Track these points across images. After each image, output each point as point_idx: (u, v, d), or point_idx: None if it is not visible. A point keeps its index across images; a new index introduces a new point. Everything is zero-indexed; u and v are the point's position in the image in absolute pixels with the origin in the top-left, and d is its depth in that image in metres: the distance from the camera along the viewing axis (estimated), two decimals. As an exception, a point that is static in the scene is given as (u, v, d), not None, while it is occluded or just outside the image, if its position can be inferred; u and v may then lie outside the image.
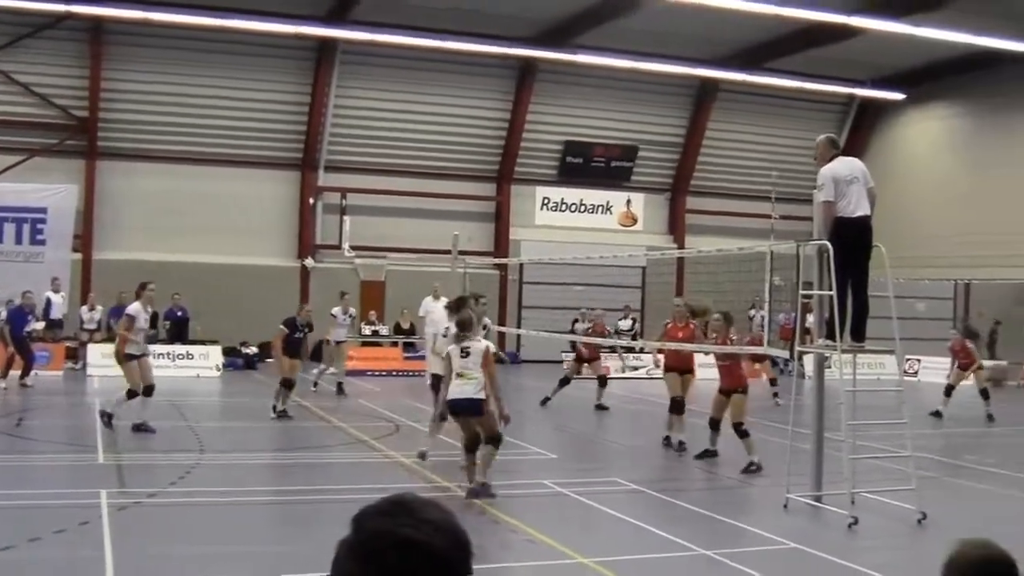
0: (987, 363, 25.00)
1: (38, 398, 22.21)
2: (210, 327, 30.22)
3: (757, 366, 23.03)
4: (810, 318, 15.25)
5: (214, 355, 29.09)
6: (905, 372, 29.22)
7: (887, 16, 28.74)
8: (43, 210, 30.63)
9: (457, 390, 12.61)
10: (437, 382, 16.10)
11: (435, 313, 25.84)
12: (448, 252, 22.96)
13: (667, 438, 17.25)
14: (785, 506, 12.41)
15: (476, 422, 12.67)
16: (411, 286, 30.61)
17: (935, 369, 29.59)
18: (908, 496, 12.04)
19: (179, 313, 29.88)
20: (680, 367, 17.42)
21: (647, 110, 37.81)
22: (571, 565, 9.81)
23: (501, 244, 36.91)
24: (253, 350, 31.51)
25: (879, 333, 13.43)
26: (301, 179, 34.90)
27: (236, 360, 30.48)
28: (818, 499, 12.62)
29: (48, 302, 28.76)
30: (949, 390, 22.98)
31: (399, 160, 35.63)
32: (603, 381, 22.97)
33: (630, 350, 29.20)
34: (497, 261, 33.37)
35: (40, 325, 28.09)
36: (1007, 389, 28.11)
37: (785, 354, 15.32)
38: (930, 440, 18.12)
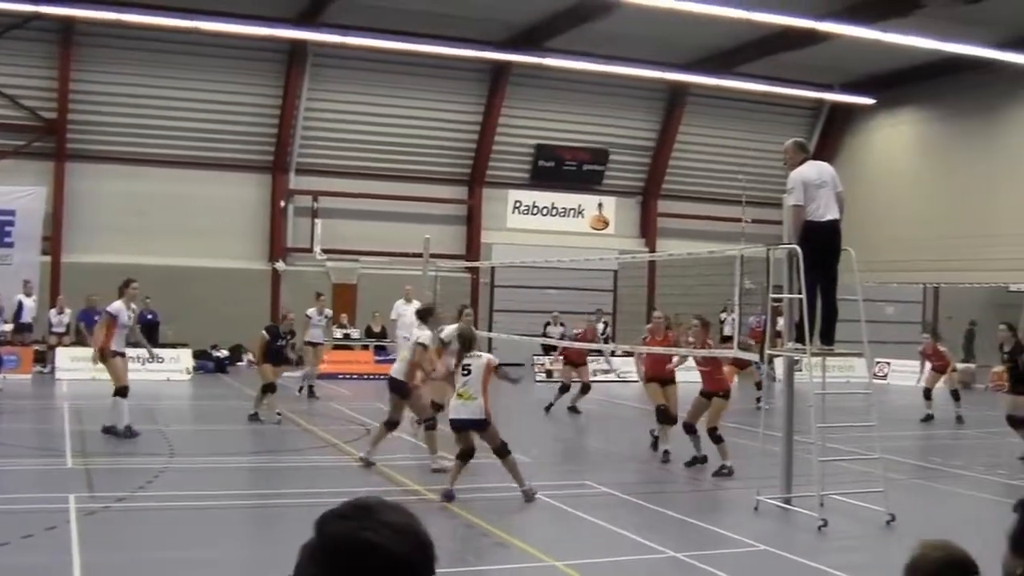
0: (959, 365, 25.18)
1: (6, 402, 22.02)
2: (180, 330, 30.11)
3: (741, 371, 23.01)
4: (780, 321, 15.34)
5: (184, 358, 28.96)
6: (875, 375, 29.57)
7: (856, 22, 28.89)
8: (11, 212, 30.45)
9: (459, 409, 12.87)
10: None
11: (407, 316, 25.99)
12: (419, 255, 22.92)
13: (662, 449, 16.61)
14: (755, 508, 12.48)
15: (483, 438, 12.95)
16: (383, 289, 30.60)
17: (904, 372, 29.80)
18: (877, 498, 12.13)
19: (149, 316, 29.69)
20: (661, 376, 16.93)
21: (618, 114, 37.90)
22: (542, 568, 9.82)
23: (472, 247, 36.90)
24: (224, 353, 31.41)
25: (849, 336, 13.50)
26: (272, 182, 34.77)
27: (207, 363, 30.37)
28: (788, 501, 12.68)
29: (20, 305, 28.59)
30: (927, 393, 23.18)
31: (371, 163, 35.58)
32: (586, 387, 23.01)
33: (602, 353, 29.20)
34: (469, 264, 33.36)
35: (8, 327, 27.91)
36: (975, 392, 28.31)
37: (755, 357, 15.34)
38: (898, 442, 18.22)
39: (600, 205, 39.36)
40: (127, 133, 32.59)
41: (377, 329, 31.71)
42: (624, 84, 36.67)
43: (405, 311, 26.21)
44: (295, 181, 35.08)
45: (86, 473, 13.88)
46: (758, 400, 22.85)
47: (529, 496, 12.81)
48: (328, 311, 25.43)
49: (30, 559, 9.63)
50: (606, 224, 39.41)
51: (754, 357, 15.68)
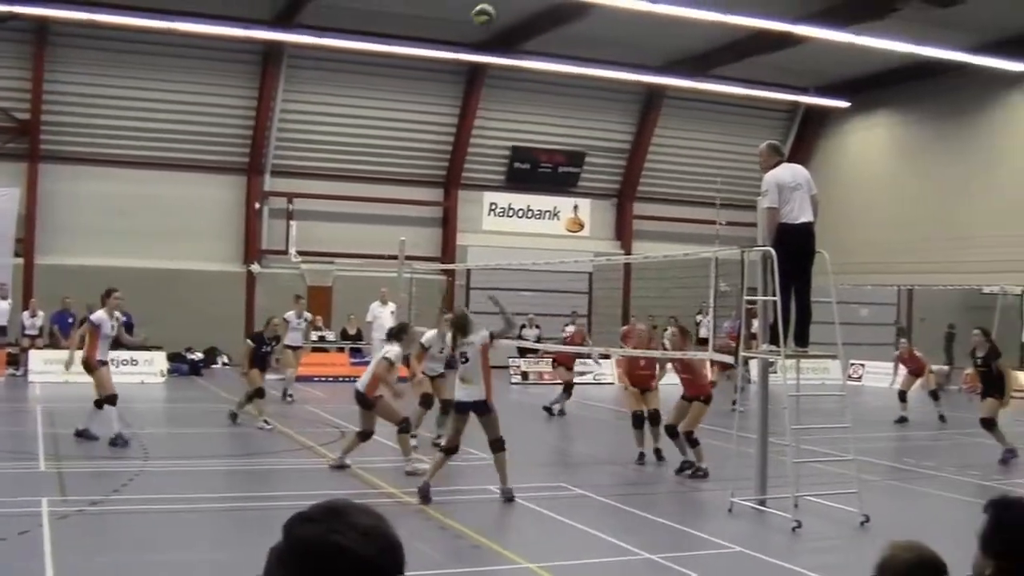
0: (934, 367, 25.31)
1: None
2: (155, 332, 29.91)
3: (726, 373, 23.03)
4: (755, 323, 15.39)
5: (159, 361, 28.83)
6: (849, 377, 29.72)
7: (831, 25, 29.02)
8: (-16, 214, 30.24)
9: (461, 393, 13.17)
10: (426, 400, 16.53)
11: (382, 318, 26.01)
12: (395, 257, 22.90)
13: (653, 448, 16.57)
14: (730, 510, 12.51)
15: (481, 422, 13.11)
16: (358, 291, 30.55)
17: (879, 374, 29.92)
18: (851, 499, 12.18)
19: (124, 319, 29.52)
20: (642, 384, 16.77)
21: (595, 116, 37.95)
22: (517, 570, 9.82)
23: (448, 249, 36.88)
24: (199, 356, 31.28)
25: (823, 338, 13.55)
26: (247, 184, 34.64)
27: (181, 366, 30.24)
28: (762, 503, 12.71)
29: (-7, 308, 28.43)
30: (902, 395, 23.33)
31: (346, 165, 35.51)
32: (568, 389, 23.03)
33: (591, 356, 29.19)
34: (444, 266, 33.33)
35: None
36: (949, 393, 28.46)
37: (730, 359, 15.37)
38: (872, 444, 18.32)
39: (576, 207, 39.40)
40: (101, 134, 32.42)
41: (352, 331, 31.66)
42: (600, 86, 36.72)
43: (381, 313, 26.23)
44: (270, 183, 34.97)
45: (59, 476, 13.80)
46: (733, 403, 22.88)
47: (507, 496, 12.83)
48: (308, 314, 25.35)
49: (2, 564, 9.55)
50: (581, 226, 39.45)
51: (730, 359, 15.72)
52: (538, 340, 30.62)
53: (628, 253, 37.72)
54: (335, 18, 30.83)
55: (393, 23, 31.36)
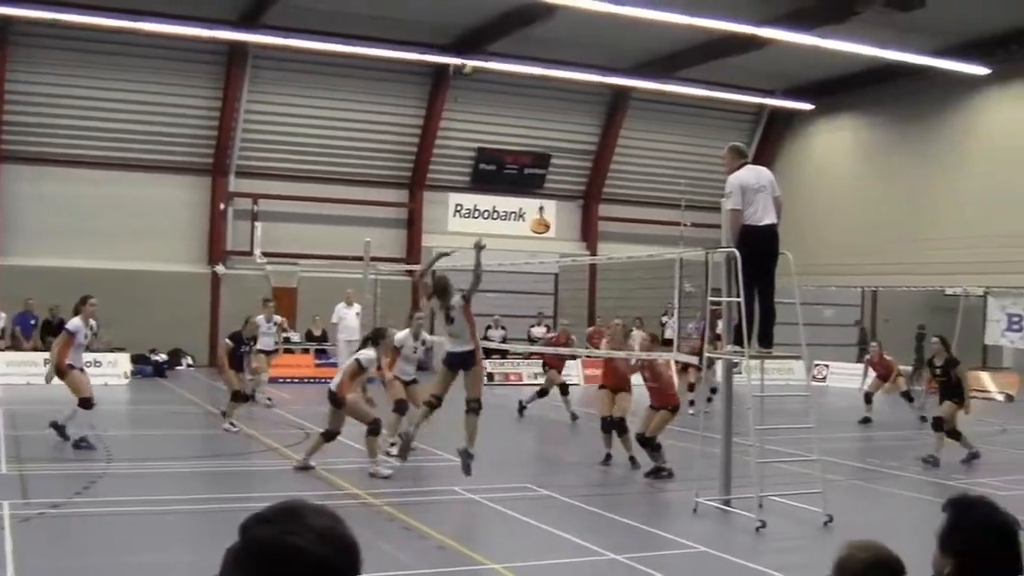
0: (901, 367, 25.44)
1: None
2: (119, 334, 29.73)
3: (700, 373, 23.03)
4: (720, 324, 15.43)
5: (122, 362, 28.65)
6: (814, 377, 29.88)
7: (795, 28, 29.18)
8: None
9: (450, 346, 13.82)
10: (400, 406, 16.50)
11: (348, 319, 25.96)
12: (360, 259, 22.84)
13: (608, 456, 16.51)
14: (695, 510, 12.57)
15: (466, 378, 13.68)
16: (323, 293, 30.47)
17: (843, 375, 30.14)
18: (814, 499, 12.26)
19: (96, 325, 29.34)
20: (615, 385, 16.66)
21: (560, 118, 37.99)
22: (482, 571, 9.84)
23: (413, 251, 36.77)
24: (162, 357, 31.11)
25: (787, 339, 13.62)
26: (212, 184, 34.44)
27: (145, 368, 30.04)
28: (727, 503, 12.78)
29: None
30: (868, 397, 23.50)
31: (311, 166, 35.39)
32: (543, 391, 23.06)
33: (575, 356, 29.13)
34: (409, 268, 33.24)
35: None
36: (918, 395, 28.65)
37: (694, 360, 15.43)
38: (836, 444, 18.44)
39: (541, 208, 39.43)
40: (65, 135, 32.14)
41: (318, 333, 31.55)
42: (566, 88, 36.76)
43: (346, 314, 26.17)
44: (235, 184, 34.79)
45: (20, 479, 13.69)
46: (691, 403, 22.91)
47: (466, 457, 13.32)
48: (277, 317, 25.17)
49: (-38, 567, 9.48)
50: (547, 227, 39.48)
51: (692, 359, 15.78)
52: (503, 341, 30.62)
53: (594, 254, 37.75)
54: (301, 19, 30.72)
55: (359, 24, 31.28)
